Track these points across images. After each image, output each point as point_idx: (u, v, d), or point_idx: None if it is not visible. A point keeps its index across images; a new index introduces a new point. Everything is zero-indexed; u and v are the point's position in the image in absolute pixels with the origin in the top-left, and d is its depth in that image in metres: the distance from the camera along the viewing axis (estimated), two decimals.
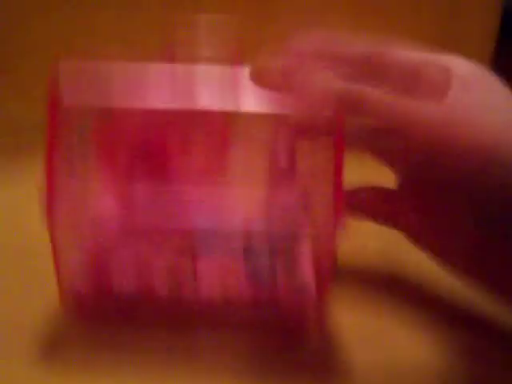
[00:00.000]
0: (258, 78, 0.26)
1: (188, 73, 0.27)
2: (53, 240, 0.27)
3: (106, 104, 0.27)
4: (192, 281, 0.28)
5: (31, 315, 0.29)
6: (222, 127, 0.29)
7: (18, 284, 0.31)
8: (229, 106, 0.26)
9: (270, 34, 0.30)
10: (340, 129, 0.25)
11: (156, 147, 0.29)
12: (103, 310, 0.29)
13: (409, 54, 0.26)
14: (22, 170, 0.42)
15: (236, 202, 0.30)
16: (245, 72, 0.26)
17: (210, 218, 0.27)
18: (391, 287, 0.34)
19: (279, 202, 0.29)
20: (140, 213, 0.27)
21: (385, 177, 0.30)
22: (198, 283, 0.28)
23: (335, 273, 0.27)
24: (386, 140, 0.27)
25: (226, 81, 0.27)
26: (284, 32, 0.26)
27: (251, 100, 0.26)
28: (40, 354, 0.27)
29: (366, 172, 0.29)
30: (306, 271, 0.29)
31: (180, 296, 0.28)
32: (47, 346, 0.28)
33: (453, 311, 0.32)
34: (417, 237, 0.28)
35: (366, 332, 0.30)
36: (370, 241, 0.35)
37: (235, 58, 0.28)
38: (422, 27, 0.60)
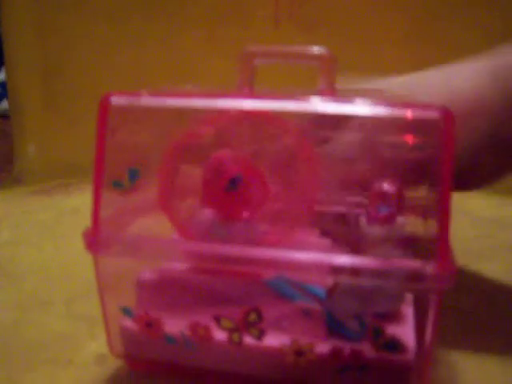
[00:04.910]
0: None
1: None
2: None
3: None
4: (257, 327, 0.23)
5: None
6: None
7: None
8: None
9: None
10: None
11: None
12: (152, 354, 0.25)
13: None
14: None
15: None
16: None
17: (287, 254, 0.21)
18: None
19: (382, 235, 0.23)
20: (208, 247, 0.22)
21: None
22: (263, 330, 0.23)
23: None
24: None
25: None
26: None
27: None
28: None
29: None
30: (407, 328, 0.23)
31: (241, 343, 0.23)
32: None
33: None
34: None
35: None
36: None
37: None
38: None
